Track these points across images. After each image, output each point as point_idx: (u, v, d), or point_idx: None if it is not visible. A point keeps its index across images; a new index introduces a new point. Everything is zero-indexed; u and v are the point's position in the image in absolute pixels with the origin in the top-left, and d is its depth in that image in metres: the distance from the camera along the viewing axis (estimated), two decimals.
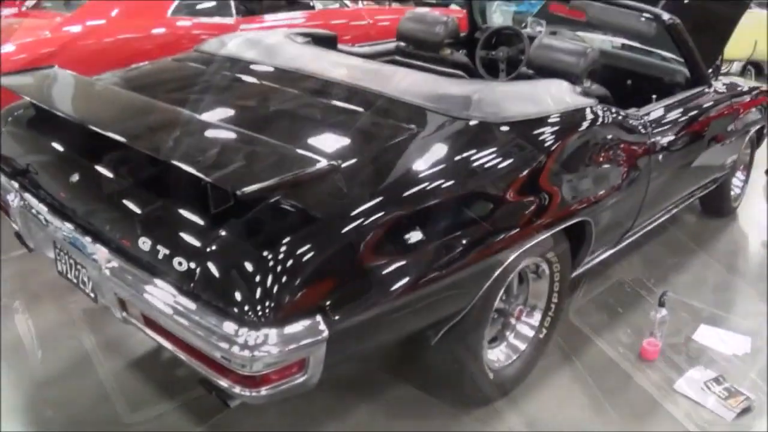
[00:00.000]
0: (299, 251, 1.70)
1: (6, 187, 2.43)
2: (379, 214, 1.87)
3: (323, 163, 1.84)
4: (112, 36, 4.44)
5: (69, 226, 2.14)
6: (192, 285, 1.74)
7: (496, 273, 2.22)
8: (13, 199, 2.38)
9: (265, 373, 1.69)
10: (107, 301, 2.06)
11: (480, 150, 2.23)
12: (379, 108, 2.44)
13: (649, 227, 3.50)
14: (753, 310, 3.48)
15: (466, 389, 2.51)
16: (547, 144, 2.41)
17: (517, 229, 2.21)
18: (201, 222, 1.83)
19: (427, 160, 2.12)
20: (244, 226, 1.78)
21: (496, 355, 2.61)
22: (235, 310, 1.65)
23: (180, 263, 1.77)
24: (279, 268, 1.66)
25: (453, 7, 8.68)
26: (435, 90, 2.50)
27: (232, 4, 5.08)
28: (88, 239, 2.06)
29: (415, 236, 1.92)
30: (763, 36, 8.77)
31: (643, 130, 2.92)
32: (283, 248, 1.69)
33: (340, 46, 3.59)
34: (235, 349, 1.63)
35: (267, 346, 1.63)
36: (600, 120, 2.69)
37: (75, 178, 2.18)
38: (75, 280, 2.20)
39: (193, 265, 1.75)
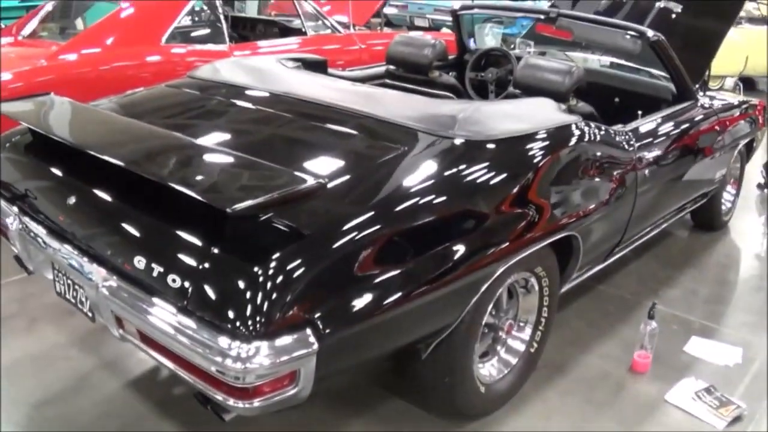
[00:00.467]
0: (289, 267, 1.75)
1: (5, 210, 2.48)
2: (368, 230, 1.92)
3: (310, 181, 1.90)
4: (108, 64, 4.49)
5: (67, 247, 2.19)
6: (186, 301, 1.80)
7: (484, 287, 2.25)
8: (12, 223, 2.42)
9: (258, 384, 1.73)
10: (105, 320, 2.10)
11: (465, 167, 2.28)
12: (368, 129, 2.50)
13: (639, 242, 3.54)
14: (744, 321, 3.52)
15: (457, 403, 2.52)
16: (531, 160, 2.47)
17: (503, 244, 2.26)
18: (194, 240, 1.89)
19: (413, 177, 2.18)
20: (235, 243, 1.84)
21: (488, 370, 2.64)
22: (228, 324, 1.71)
23: (174, 281, 1.83)
24: (269, 283, 1.71)
25: (444, 30, 8.79)
26: (422, 111, 2.57)
27: (225, 31, 5.15)
28: (85, 260, 2.12)
29: (402, 251, 1.98)
30: (754, 52, 8.90)
31: (627, 146, 2.97)
32: (273, 264, 1.75)
33: (330, 70, 3.66)
34: (228, 361, 1.68)
35: (259, 358, 1.68)
36: (584, 136, 2.74)
37: (71, 200, 2.23)
38: (73, 300, 2.25)
39: (187, 282, 1.81)
